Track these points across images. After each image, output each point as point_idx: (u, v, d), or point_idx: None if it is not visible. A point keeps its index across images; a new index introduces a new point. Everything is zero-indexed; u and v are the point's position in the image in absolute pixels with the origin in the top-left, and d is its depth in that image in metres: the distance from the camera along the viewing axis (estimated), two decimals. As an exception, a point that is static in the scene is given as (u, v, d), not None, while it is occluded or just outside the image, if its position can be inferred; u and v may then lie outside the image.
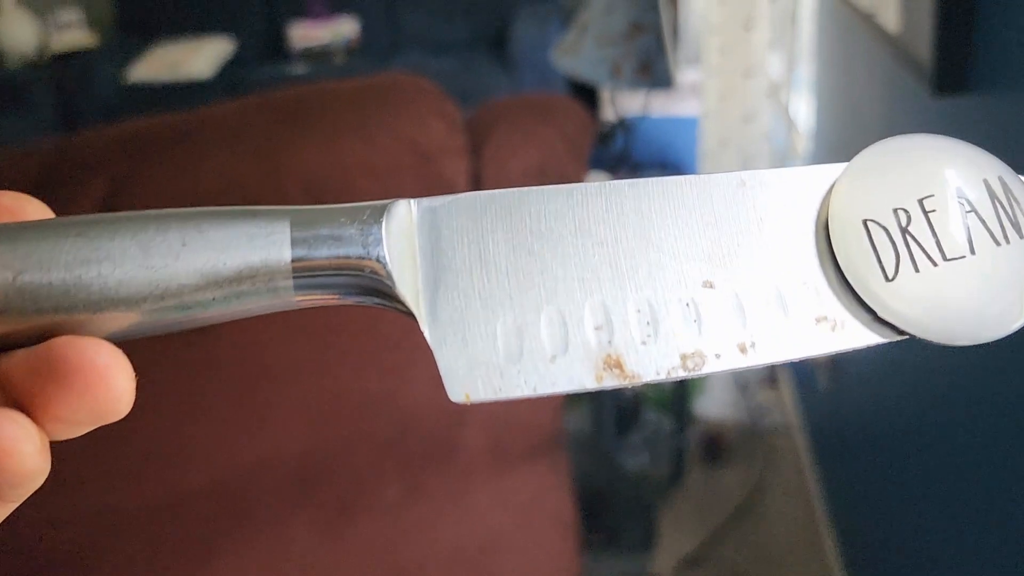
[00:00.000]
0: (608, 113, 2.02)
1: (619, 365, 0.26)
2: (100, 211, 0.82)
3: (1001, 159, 0.87)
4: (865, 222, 0.27)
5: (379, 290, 0.27)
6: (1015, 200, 0.27)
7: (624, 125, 1.81)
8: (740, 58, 1.82)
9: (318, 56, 3.68)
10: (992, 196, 0.27)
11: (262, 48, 3.78)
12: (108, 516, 0.88)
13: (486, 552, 1.13)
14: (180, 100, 3.42)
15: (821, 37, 1.76)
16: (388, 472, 1.05)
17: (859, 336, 0.27)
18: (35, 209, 0.26)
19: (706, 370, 0.26)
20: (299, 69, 3.62)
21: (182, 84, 3.47)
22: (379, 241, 0.26)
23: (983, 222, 0.27)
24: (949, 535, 1.07)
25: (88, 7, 3.77)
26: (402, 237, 0.27)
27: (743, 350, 0.27)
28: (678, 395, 2.00)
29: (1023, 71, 0.81)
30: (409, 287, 0.27)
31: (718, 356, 0.26)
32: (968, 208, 0.27)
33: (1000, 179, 0.27)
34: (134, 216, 0.25)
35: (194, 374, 0.86)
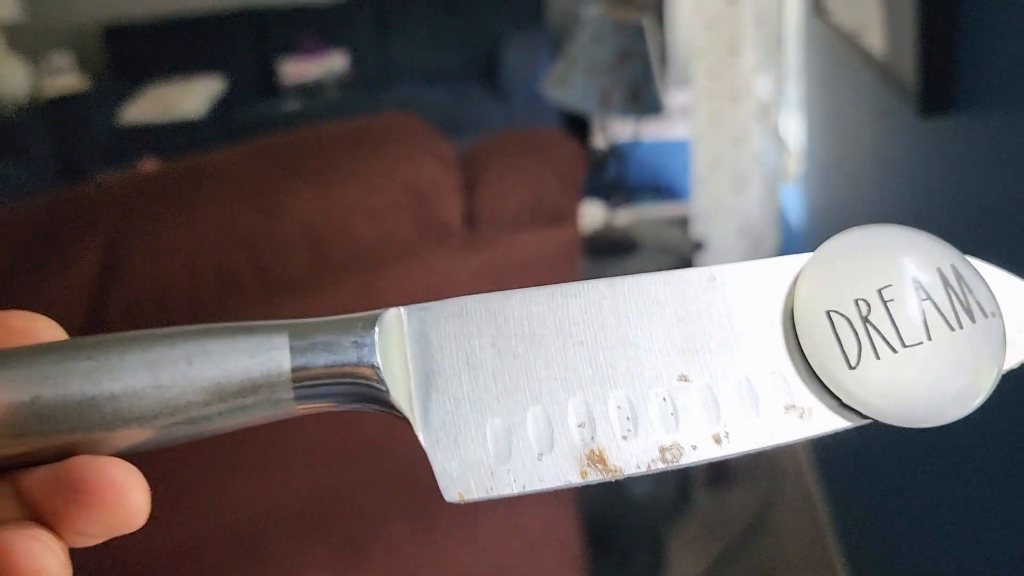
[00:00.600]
0: (600, 140, 2.04)
1: (602, 460, 0.27)
2: (99, 271, 0.83)
3: (986, 177, 0.89)
4: (828, 312, 0.28)
5: (374, 397, 0.28)
6: (967, 286, 0.29)
7: (616, 152, 1.82)
8: (727, 82, 1.84)
9: (310, 91, 3.71)
10: (945, 283, 0.28)
11: (254, 86, 3.80)
12: (118, 565, 0.88)
13: (496, 585, 1.13)
14: (174, 140, 3.45)
15: (808, 59, 1.78)
16: (396, 510, 1.06)
17: (826, 422, 0.28)
18: (46, 327, 0.27)
19: (684, 462, 0.27)
20: (291, 105, 3.64)
21: (175, 124, 3.50)
22: (372, 350, 0.27)
23: (938, 308, 0.28)
24: (956, 549, 1.07)
25: (79, 51, 3.80)
26: (393, 344, 0.28)
27: (718, 441, 0.28)
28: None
29: (1005, 92, 0.82)
30: (402, 393, 0.28)
31: (695, 447, 0.28)
32: (924, 296, 0.28)
33: (952, 267, 0.29)
34: (141, 336, 0.27)
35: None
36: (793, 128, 1.99)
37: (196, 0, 3.85)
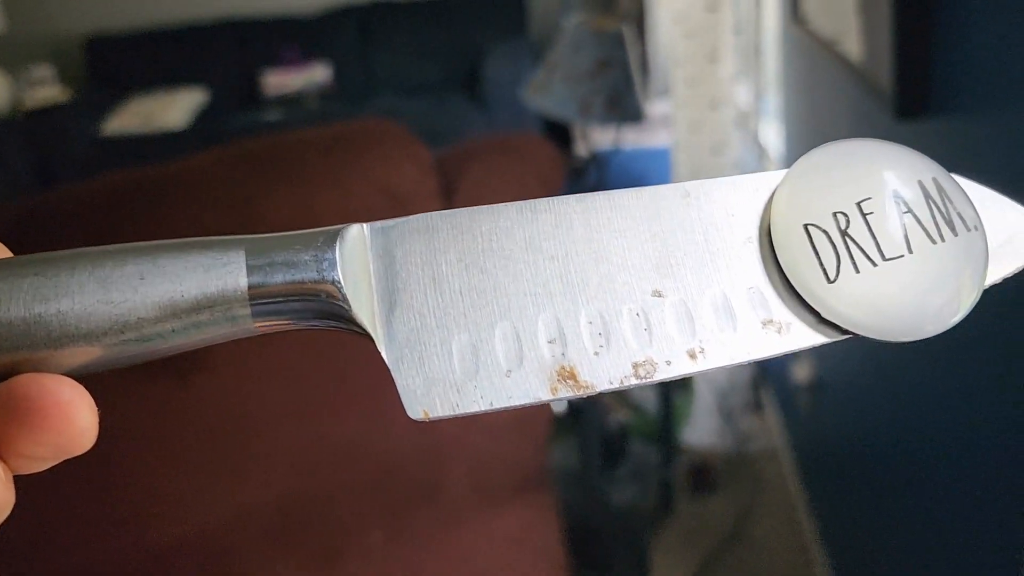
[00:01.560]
0: (581, 148, 2.04)
1: (573, 376, 0.27)
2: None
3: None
4: (806, 227, 0.28)
5: (335, 313, 0.27)
6: (948, 200, 0.28)
7: (596, 159, 1.83)
8: (707, 90, 1.84)
9: (292, 102, 3.71)
10: (927, 196, 0.28)
11: (236, 97, 3.80)
12: (87, 573, 0.87)
13: (475, 593, 1.12)
14: (156, 152, 3.43)
15: (786, 66, 1.79)
16: (372, 516, 1.05)
17: (805, 337, 0.28)
18: None
19: (658, 377, 0.27)
20: (274, 116, 3.63)
21: (157, 136, 3.48)
22: (333, 265, 0.27)
23: (919, 222, 0.28)
24: (938, 552, 1.07)
25: (60, 62, 3.79)
26: (356, 260, 0.27)
27: (693, 356, 0.27)
28: (664, 426, 2.00)
29: (979, 95, 0.83)
30: (365, 309, 0.27)
31: (669, 363, 0.27)
32: (904, 209, 0.28)
33: (934, 180, 0.28)
34: (91, 252, 0.26)
35: (170, 425, 0.86)
36: (772, 135, 2.00)
37: (178, 11, 3.85)
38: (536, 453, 1.18)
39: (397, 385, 0.27)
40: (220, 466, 0.89)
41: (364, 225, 0.28)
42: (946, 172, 0.28)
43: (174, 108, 3.61)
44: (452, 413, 0.27)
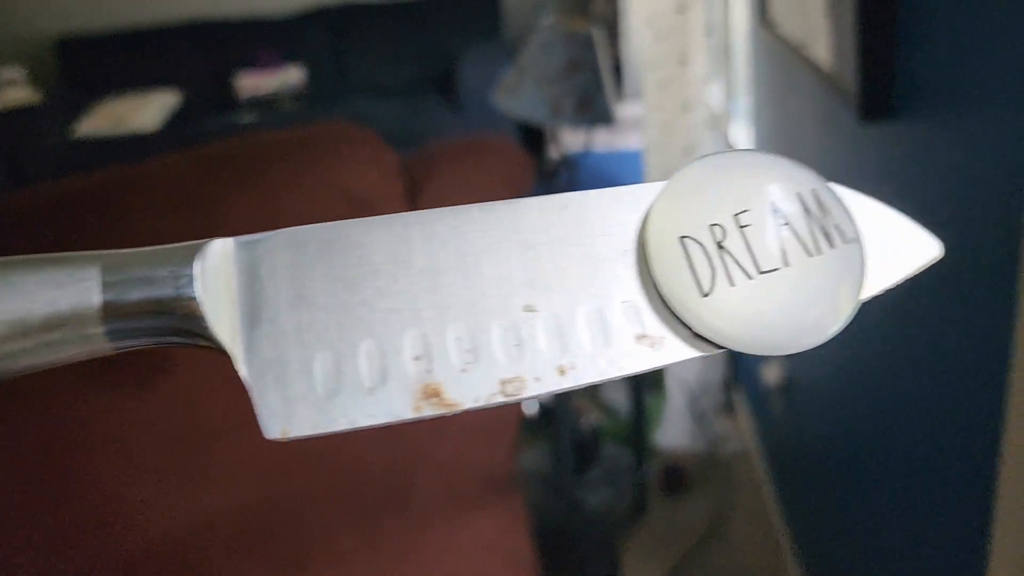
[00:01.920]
0: (553, 150, 2.04)
1: (437, 394, 0.26)
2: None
3: (924, 179, 0.90)
4: (681, 239, 0.27)
5: (194, 331, 0.26)
6: (827, 212, 0.27)
7: (568, 162, 1.83)
8: (677, 92, 1.85)
9: (266, 104, 3.69)
10: (805, 209, 0.27)
11: (209, 99, 3.77)
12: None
13: (445, 598, 1.12)
14: (128, 154, 3.39)
15: (756, 68, 1.80)
16: (342, 522, 1.04)
17: (678, 352, 0.27)
18: None
19: (525, 394, 0.26)
20: (247, 118, 3.61)
21: (129, 138, 3.45)
22: (191, 281, 0.26)
23: (796, 234, 0.27)
24: (906, 550, 1.08)
25: (32, 64, 3.75)
26: (218, 276, 0.27)
27: (563, 372, 0.27)
28: (636, 428, 2.00)
29: (942, 98, 0.83)
30: (225, 327, 0.26)
31: (537, 380, 0.27)
32: (782, 221, 0.27)
33: (813, 192, 0.28)
34: None
35: (132, 434, 0.85)
36: (743, 137, 2.00)
37: (151, 12, 3.82)
38: (506, 457, 1.18)
39: (255, 404, 0.26)
40: (184, 473, 0.88)
41: (228, 240, 0.27)
42: (826, 184, 0.28)
43: (147, 110, 3.58)
44: (312, 432, 0.26)
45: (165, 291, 0.26)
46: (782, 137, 1.60)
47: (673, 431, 2.23)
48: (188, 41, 3.78)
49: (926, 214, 0.94)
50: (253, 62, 3.73)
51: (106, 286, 0.25)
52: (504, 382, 0.26)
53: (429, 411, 0.26)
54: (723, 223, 0.27)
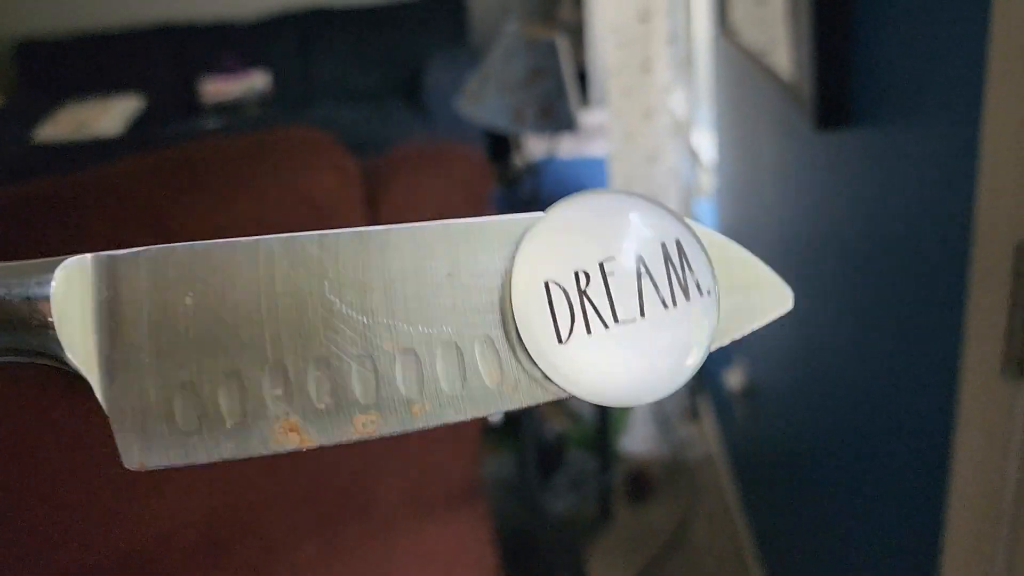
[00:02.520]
0: (517, 158, 2.05)
1: (296, 429, 0.26)
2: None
3: (877, 186, 0.91)
4: (547, 283, 0.27)
5: (49, 352, 0.25)
6: (687, 264, 0.28)
7: (531, 168, 1.83)
8: (640, 99, 1.86)
9: (231, 110, 3.67)
10: (667, 259, 0.27)
11: (173, 104, 3.74)
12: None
13: (407, 606, 1.11)
14: (89, 159, 3.35)
15: (717, 77, 1.81)
16: (303, 530, 1.03)
17: (532, 396, 0.27)
18: None
19: (381, 432, 0.26)
20: (212, 123, 3.59)
21: (91, 143, 3.41)
22: (45, 300, 0.25)
23: (655, 285, 0.27)
24: (865, 552, 1.09)
25: (-10, 68, 3.70)
26: (75, 295, 0.26)
27: (418, 413, 0.27)
28: (601, 434, 2.01)
29: (895, 107, 0.85)
30: (79, 350, 0.25)
31: (392, 418, 0.26)
32: (644, 271, 0.27)
33: (677, 242, 0.28)
34: None
35: (94, 444, 0.84)
36: (706, 144, 2.02)
37: (113, 16, 3.78)
38: (470, 464, 1.18)
39: (115, 435, 0.25)
40: (146, 483, 0.87)
41: (88, 257, 0.26)
42: (692, 233, 0.28)
43: (109, 115, 3.54)
44: (170, 464, 0.25)
45: (18, 310, 0.25)
46: (741, 145, 1.62)
47: (638, 437, 2.24)
48: (152, 45, 3.74)
49: (879, 220, 0.96)
50: (218, 67, 3.70)
51: None
52: (360, 420, 0.26)
53: (288, 447, 0.26)
54: (588, 269, 0.27)
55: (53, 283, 0.25)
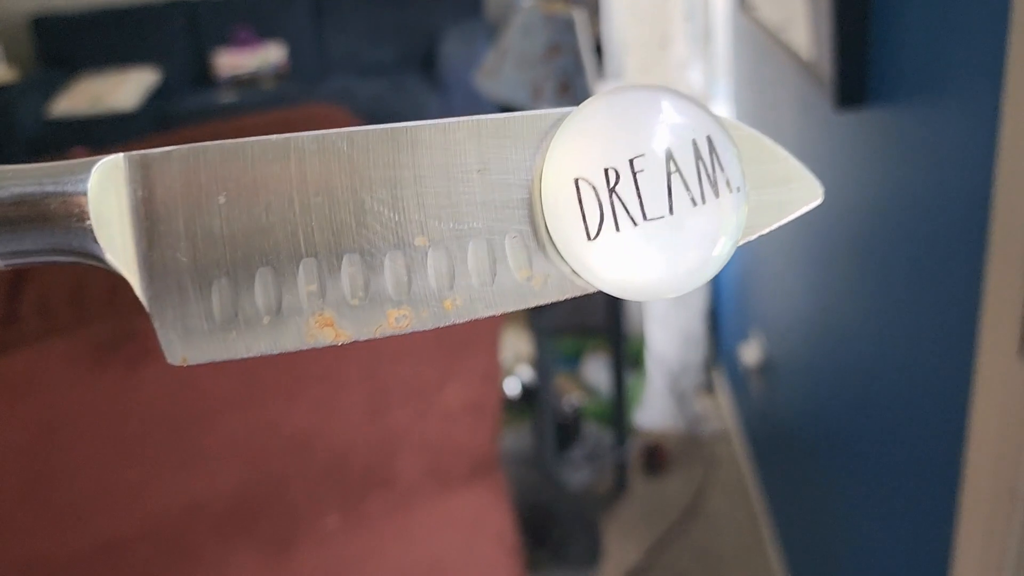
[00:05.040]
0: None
1: (330, 324, 0.27)
2: (11, 281, 0.81)
3: (896, 165, 0.91)
4: (576, 180, 0.27)
5: (87, 251, 0.26)
6: (718, 160, 0.27)
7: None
8: (657, 75, 1.86)
9: (246, 83, 3.66)
10: (697, 156, 0.27)
11: (189, 77, 3.74)
12: (40, 566, 0.87)
13: (429, 576, 1.14)
14: (105, 133, 3.38)
15: (735, 53, 1.81)
16: (327, 502, 1.05)
17: (561, 291, 0.28)
18: None
19: (412, 328, 0.27)
20: (227, 97, 3.59)
21: (107, 116, 3.43)
22: (82, 199, 0.25)
23: (685, 183, 0.27)
24: (880, 526, 1.11)
25: (7, 41, 3.71)
26: (111, 195, 0.26)
27: (450, 307, 0.27)
28: (617, 408, 2.02)
29: (914, 86, 0.85)
30: (118, 248, 0.26)
31: (425, 313, 0.27)
32: (673, 168, 0.27)
33: (708, 138, 0.27)
34: None
35: (122, 418, 0.86)
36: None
37: (127, -10, 3.77)
38: (489, 438, 1.19)
39: (156, 331, 0.26)
40: (171, 457, 0.89)
41: (121, 156, 0.26)
42: (723, 129, 0.27)
43: (124, 88, 3.55)
44: (211, 359, 0.26)
45: (56, 208, 0.25)
46: (760, 121, 1.62)
47: (654, 411, 2.26)
48: (166, 18, 3.74)
49: (897, 199, 0.96)
50: (232, 40, 3.70)
51: None
52: (393, 315, 0.27)
53: (323, 341, 0.27)
54: (618, 167, 0.27)
55: (89, 183, 0.26)
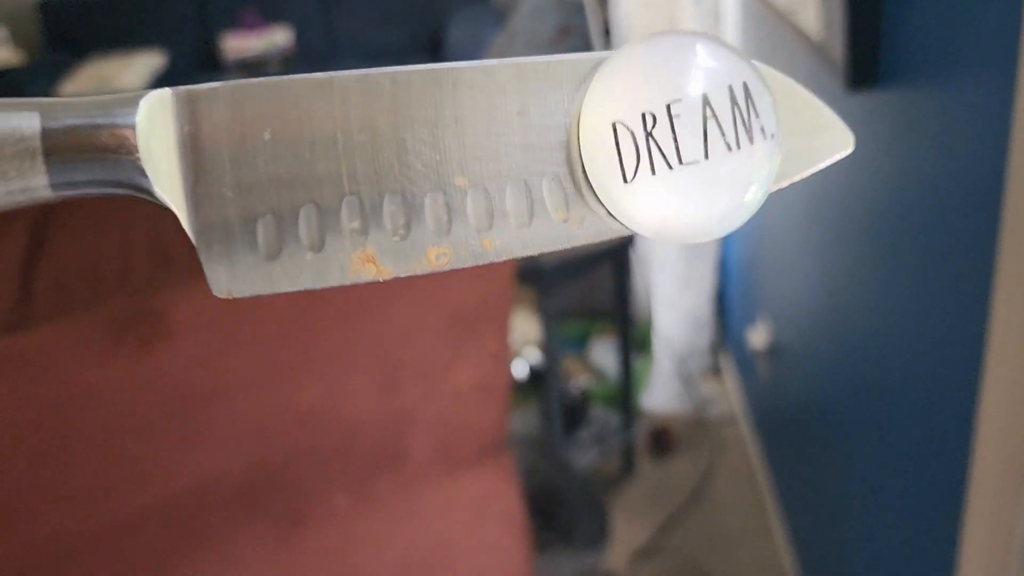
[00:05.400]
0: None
1: (372, 260, 0.27)
2: (27, 247, 0.81)
3: (909, 146, 0.91)
4: (614, 124, 0.27)
5: (135, 184, 0.26)
6: (753, 106, 0.28)
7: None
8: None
9: (253, 67, 3.66)
10: (733, 102, 0.27)
11: (195, 60, 3.74)
12: (57, 540, 0.88)
13: (438, 556, 1.14)
14: (113, 116, 3.38)
15: (745, 36, 1.80)
16: (336, 482, 1.06)
17: (597, 232, 0.28)
18: None
19: (452, 265, 0.28)
20: (234, 80, 3.58)
21: (115, 100, 3.42)
22: (132, 131, 0.26)
23: (720, 128, 0.27)
24: (888, 512, 1.11)
25: (14, 24, 3.70)
26: (158, 128, 0.26)
27: (488, 246, 0.28)
28: (624, 391, 2.03)
29: (924, 68, 0.85)
30: (166, 182, 0.26)
31: (465, 252, 0.28)
32: (710, 114, 0.27)
33: (744, 84, 0.27)
34: None
35: (133, 398, 0.87)
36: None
37: (134, -27, 3.77)
38: (499, 419, 1.20)
39: (203, 264, 0.27)
40: (184, 434, 0.90)
41: (168, 90, 0.27)
42: (758, 76, 0.28)
43: (131, 71, 3.55)
44: (256, 292, 0.27)
45: (106, 141, 0.26)
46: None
47: (661, 394, 2.26)
48: (173, 1, 3.73)
49: (909, 182, 0.96)
50: (239, 23, 3.69)
51: (46, 134, 0.25)
52: (433, 252, 0.27)
53: (364, 277, 0.27)
54: (655, 111, 0.27)
55: (137, 115, 0.26)
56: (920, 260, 0.91)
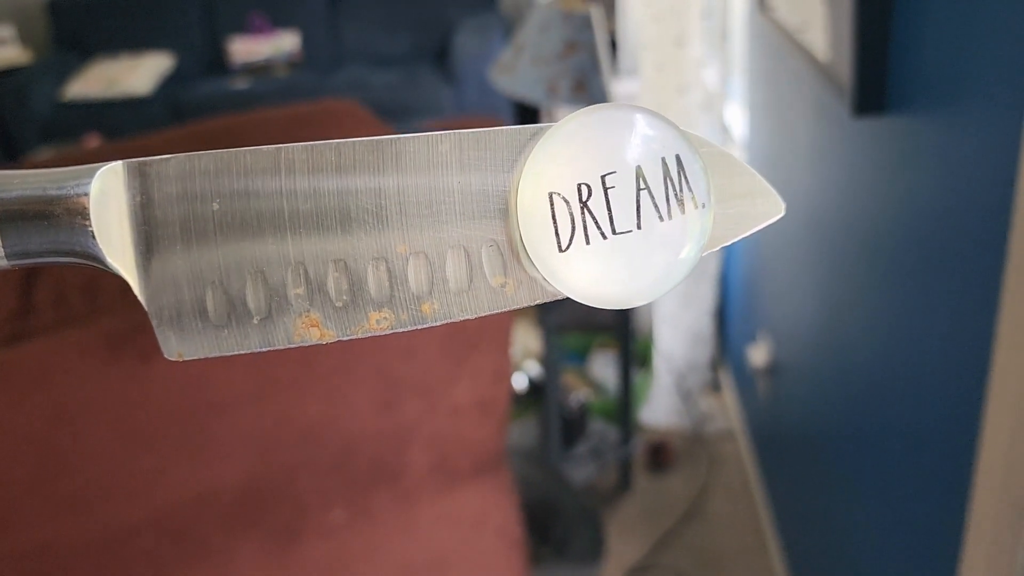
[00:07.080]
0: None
1: (316, 325, 0.28)
2: (26, 271, 0.81)
3: (914, 173, 0.90)
4: (551, 194, 0.28)
5: (89, 254, 0.27)
6: (685, 178, 0.29)
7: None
8: (673, 74, 1.85)
9: (259, 71, 3.67)
10: (666, 173, 0.28)
11: (202, 63, 3.75)
12: (51, 551, 0.87)
13: (434, 571, 1.14)
14: (118, 117, 3.38)
15: (751, 53, 1.80)
16: (333, 496, 1.06)
17: (533, 296, 0.29)
18: None
19: (394, 327, 0.29)
20: (240, 84, 3.59)
21: (121, 100, 3.43)
22: (85, 204, 0.27)
23: (653, 199, 0.28)
24: (886, 529, 1.11)
25: (22, 23, 3.71)
26: (111, 199, 0.27)
27: (428, 311, 0.29)
28: (623, 405, 2.03)
29: (932, 95, 0.85)
30: (118, 252, 0.27)
31: (405, 316, 0.29)
32: (643, 185, 0.28)
33: (677, 156, 0.29)
34: None
35: (134, 409, 0.86)
36: (737, 118, 2.01)
37: (143, -26, 3.77)
38: (497, 434, 1.20)
39: (154, 327, 0.28)
40: (182, 448, 0.90)
41: (120, 164, 0.28)
42: (691, 148, 0.29)
43: (139, 73, 3.56)
44: (204, 355, 0.28)
45: (60, 211, 0.27)
46: (774, 122, 1.61)
47: (659, 409, 2.26)
48: (182, 4, 3.74)
49: (913, 207, 0.96)
50: (247, 27, 3.70)
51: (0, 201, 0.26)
52: (375, 317, 0.29)
53: (309, 341, 0.29)
54: (590, 182, 0.28)
55: (91, 188, 0.27)
56: (922, 286, 0.91)
